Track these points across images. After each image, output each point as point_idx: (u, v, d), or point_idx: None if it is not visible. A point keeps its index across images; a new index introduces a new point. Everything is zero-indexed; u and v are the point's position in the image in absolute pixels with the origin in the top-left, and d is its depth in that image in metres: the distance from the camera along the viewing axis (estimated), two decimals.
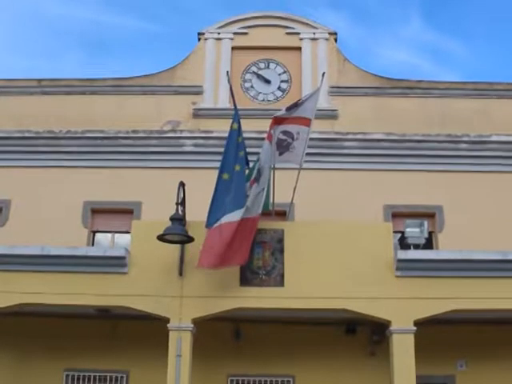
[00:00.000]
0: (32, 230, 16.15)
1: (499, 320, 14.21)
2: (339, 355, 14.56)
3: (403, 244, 13.89)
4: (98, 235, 17.09)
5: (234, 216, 11.92)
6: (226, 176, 12.18)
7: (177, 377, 12.11)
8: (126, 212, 16.63)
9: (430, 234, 15.87)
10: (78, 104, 17.94)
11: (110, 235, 17.03)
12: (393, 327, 12.36)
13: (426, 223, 13.68)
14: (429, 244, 15.64)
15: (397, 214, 16.14)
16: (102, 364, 14.79)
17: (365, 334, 14.70)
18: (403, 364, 12.18)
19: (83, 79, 18.42)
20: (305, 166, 13.57)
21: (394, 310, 12.38)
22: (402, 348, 12.26)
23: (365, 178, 16.63)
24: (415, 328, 12.32)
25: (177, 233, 11.72)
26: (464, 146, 17.10)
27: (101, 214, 16.90)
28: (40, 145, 17.36)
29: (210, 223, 11.98)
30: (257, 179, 12.43)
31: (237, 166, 12.40)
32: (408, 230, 13.52)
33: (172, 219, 11.82)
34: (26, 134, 17.43)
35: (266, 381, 14.67)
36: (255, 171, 12.63)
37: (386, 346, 12.94)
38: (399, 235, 14.78)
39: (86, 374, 14.91)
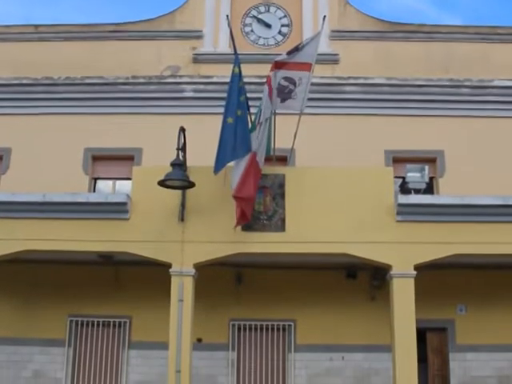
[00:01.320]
0: (33, 178, 16.16)
1: (499, 265, 14.31)
2: (340, 300, 14.72)
3: (404, 189, 13.88)
4: (99, 183, 17.09)
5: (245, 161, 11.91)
6: (230, 120, 12.06)
7: (179, 321, 12.23)
8: (126, 158, 16.60)
9: (431, 179, 15.84)
10: (77, 50, 17.72)
11: (110, 183, 17.00)
12: (393, 271, 12.42)
13: (426, 168, 13.61)
14: (429, 189, 15.66)
15: (398, 160, 16.07)
16: (105, 309, 14.99)
17: (365, 279, 14.85)
18: (403, 308, 12.28)
19: (81, 24, 18.18)
20: (305, 111, 13.44)
21: (394, 255, 12.43)
22: (402, 292, 12.34)
23: (366, 123, 16.53)
24: (415, 272, 12.38)
25: (177, 178, 11.65)
26: (466, 90, 16.94)
27: (101, 160, 16.87)
28: (39, 92, 17.21)
29: (217, 168, 11.88)
30: (260, 124, 12.33)
31: (238, 111, 12.28)
32: (409, 174, 13.46)
33: (173, 165, 11.75)
34: (24, 81, 17.27)
35: (267, 325, 14.88)
36: (258, 116, 12.54)
37: (386, 290, 13.03)
38: (400, 180, 14.78)
39: (90, 320, 15.14)
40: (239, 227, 12.29)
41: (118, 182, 16.86)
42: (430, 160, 16.30)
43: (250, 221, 12.05)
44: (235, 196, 11.60)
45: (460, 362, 14.78)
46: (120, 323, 15.10)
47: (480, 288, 14.79)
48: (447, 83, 16.88)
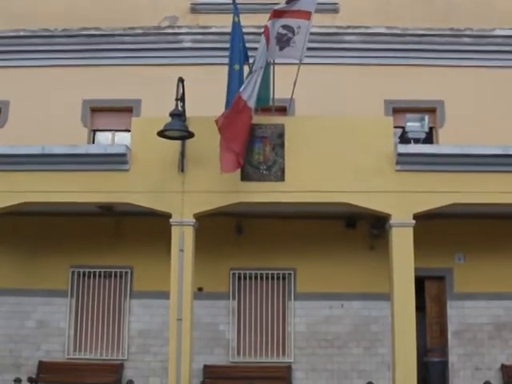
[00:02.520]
0: (32, 131, 16.07)
1: (498, 214, 14.40)
2: (339, 249, 14.86)
3: (404, 139, 13.87)
4: (98, 135, 17.06)
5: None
6: (237, 67, 12.03)
7: (180, 271, 12.37)
8: (125, 110, 16.49)
9: (431, 129, 15.80)
10: (74, 0, 17.45)
11: (110, 135, 16.96)
12: (392, 220, 12.51)
13: (426, 118, 13.59)
14: (429, 139, 15.65)
15: (398, 110, 16.00)
16: (106, 260, 15.16)
17: (364, 228, 14.96)
18: (402, 257, 12.39)
19: None
20: (305, 60, 13.32)
21: (393, 204, 12.50)
22: (401, 241, 12.45)
23: (366, 73, 16.40)
24: (414, 221, 12.46)
25: (177, 128, 11.65)
26: (467, 40, 16.77)
27: (100, 112, 16.80)
28: (36, 44, 17.03)
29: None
30: (254, 72, 12.22)
31: (240, 61, 12.24)
32: (409, 124, 13.45)
33: (172, 115, 11.73)
34: (21, 34, 17.08)
35: (267, 274, 15.05)
36: (253, 65, 12.46)
37: (385, 239, 13.14)
38: (400, 131, 14.76)
39: (92, 270, 15.31)
40: (238, 177, 12.37)
41: (118, 135, 16.83)
42: (430, 110, 16.21)
43: (236, 169, 11.98)
44: (220, 140, 11.64)
45: (458, 310, 14.98)
46: (121, 273, 15.27)
47: (478, 237, 14.90)
48: (448, 32, 16.69)
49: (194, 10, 17.30)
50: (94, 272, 15.30)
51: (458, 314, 14.97)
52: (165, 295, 12.94)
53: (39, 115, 16.46)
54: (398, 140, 14.68)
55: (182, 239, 12.42)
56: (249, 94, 11.87)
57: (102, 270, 15.28)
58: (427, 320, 15.46)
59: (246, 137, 12.11)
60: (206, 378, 14.61)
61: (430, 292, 15.47)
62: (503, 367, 14.65)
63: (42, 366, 14.83)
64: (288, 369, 14.67)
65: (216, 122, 11.64)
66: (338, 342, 14.80)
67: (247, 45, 12.96)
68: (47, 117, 16.41)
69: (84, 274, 15.35)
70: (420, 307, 14.27)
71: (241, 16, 12.78)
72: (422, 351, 14.63)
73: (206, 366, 14.72)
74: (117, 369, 14.73)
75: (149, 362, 14.85)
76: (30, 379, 14.30)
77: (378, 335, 14.73)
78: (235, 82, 12.00)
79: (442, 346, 15.08)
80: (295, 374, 14.72)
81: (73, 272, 15.31)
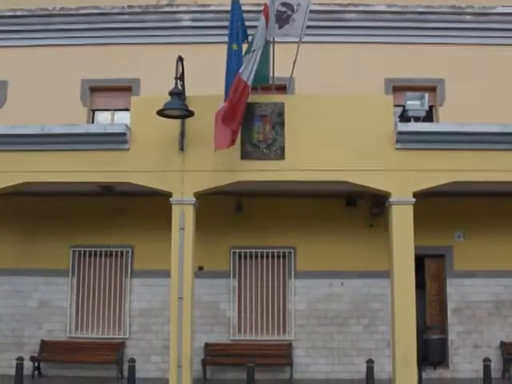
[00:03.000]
0: (31, 111, 16.02)
1: (498, 192, 14.41)
2: (339, 227, 14.93)
3: (404, 117, 13.84)
4: (98, 116, 17.02)
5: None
6: (235, 47, 11.95)
7: (180, 249, 12.40)
8: (124, 89, 16.46)
9: (431, 107, 15.77)
10: None
11: (109, 116, 16.92)
12: (392, 198, 12.52)
13: (426, 96, 13.52)
14: (429, 118, 15.62)
15: (398, 88, 15.94)
16: (107, 239, 15.22)
17: (364, 207, 15.01)
18: (402, 235, 12.43)
19: None
20: (305, 39, 13.28)
21: (393, 182, 12.51)
22: (401, 219, 12.47)
23: (366, 51, 16.31)
24: (414, 199, 12.48)
25: (176, 107, 11.63)
26: (468, 17, 16.67)
27: (99, 92, 16.74)
28: (34, 23, 16.95)
29: (228, 95, 11.85)
30: (253, 52, 12.16)
31: (238, 41, 12.18)
32: (409, 102, 13.40)
33: (171, 94, 11.71)
34: (19, 13, 16.98)
35: (267, 252, 15.12)
36: (251, 44, 12.40)
37: (385, 217, 13.18)
38: (400, 109, 14.72)
39: (92, 250, 15.37)
40: (238, 156, 12.39)
41: (117, 115, 16.80)
42: (430, 88, 16.15)
43: (230, 146, 11.87)
44: (216, 118, 11.62)
45: (457, 288, 15.08)
46: (122, 252, 15.33)
47: (478, 215, 14.96)
48: (449, 10, 16.60)
49: None
50: (95, 251, 15.36)
51: (458, 291, 15.06)
52: (165, 274, 13.01)
53: (38, 95, 16.42)
54: (398, 119, 14.63)
55: (183, 218, 12.44)
56: (248, 73, 11.84)
57: (103, 250, 15.34)
58: (427, 298, 15.55)
59: (243, 115, 12.08)
60: (206, 356, 14.72)
61: (429, 270, 15.55)
62: (502, 344, 14.75)
63: (44, 345, 14.95)
64: (288, 346, 14.77)
65: (218, 112, 11.62)
66: (338, 319, 14.90)
67: (246, 23, 12.85)
68: (46, 97, 16.37)
69: (85, 254, 15.41)
70: (420, 285, 14.32)
71: None
72: (422, 329, 14.70)
73: (206, 344, 14.83)
74: (118, 347, 14.84)
75: (150, 340, 14.96)
76: (32, 358, 14.42)
77: (378, 313, 14.83)
78: (233, 61, 11.94)
79: (442, 323, 15.18)
80: (295, 352, 14.82)
81: (74, 251, 15.37)
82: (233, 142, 11.88)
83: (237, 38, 12.07)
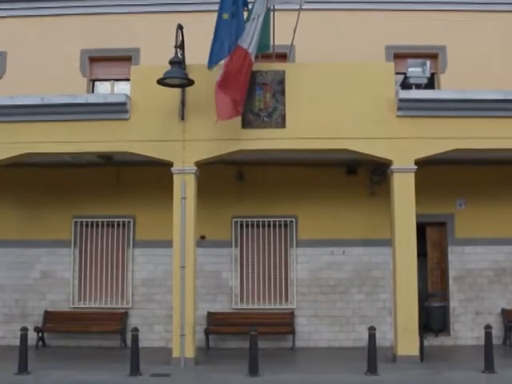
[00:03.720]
0: (30, 81, 15.96)
1: (499, 160, 14.40)
2: (340, 196, 14.92)
3: (405, 85, 13.76)
4: (98, 86, 16.93)
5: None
6: (225, 16, 11.81)
7: (182, 219, 12.43)
8: (124, 59, 16.33)
9: (433, 75, 15.67)
10: None
11: (109, 86, 16.77)
12: (394, 166, 12.53)
13: (428, 63, 13.40)
14: (431, 85, 15.52)
15: (399, 55, 15.80)
16: (108, 210, 15.23)
17: (365, 175, 15.00)
18: (403, 203, 12.46)
19: None
20: (305, 6, 13.18)
21: (395, 150, 12.51)
22: (403, 187, 12.50)
23: (366, 19, 16.18)
24: (416, 167, 12.49)
25: (177, 76, 11.58)
26: None
27: (99, 62, 16.64)
28: None
29: (211, 63, 11.76)
30: (253, 20, 12.06)
31: (234, 8, 12.02)
32: (410, 69, 13.28)
33: (171, 62, 11.66)
34: None
35: (269, 221, 15.13)
36: (251, 12, 12.29)
37: (386, 186, 13.20)
38: (401, 77, 14.62)
39: (94, 220, 15.38)
40: (239, 124, 12.35)
41: (117, 86, 16.67)
42: (432, 56, 16.02)
43: (234, 117, 11.93)
44: (216, 88, 11.55)
45: (458, 256, 15.11)
46: (124, 223, 15.35)
47: (479, 183, 14.94)
48: None
49: None
50: (97, 222, 15.38)
51: (459, 259, 15.10)
52: (168, 244, 13.04)
53: (37, 66, 16.33)
54: (400, 87, 14.54)
55: (184, 187, 12.44)
56: (249, 41, 11.77)
57: (105, 220, 15.34)
58: (428, 266, 15.60)
59: (247, 85, 12.02)
60: (209, 325, 14.79)
61: (431, 238, 15.57)
62: (503, 312, 14.82)
63: (48, 316, 15.04)
64: (291, 315, 14.84)
65: (218, 82, 11.56)
66: (340, 288, 14.96)
67: None
68: (46, 67, 16.28)
69: (87, 224, 15.43)
70: (421, 253, 14.39)
71: None
72: (423, 296, 14.77)
73: (209, 313, 14.89)
74: (121, 317, 14.92)
75: (153, 309, 15.03)
76: (36, 328, 14.52)
77: (380, 281, 14.88)
78: (222, 31, 11.77)
79: (443, 291, 15.23)
80: (298, 320, 14.90)
81: (75, 222, 15.39)
82: (237, 112, 11.84)
83: (228, 8, 11.91)
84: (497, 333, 14.26)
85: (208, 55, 11.82)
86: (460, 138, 12.51)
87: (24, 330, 11.88)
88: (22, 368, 11.55)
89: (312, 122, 12.46)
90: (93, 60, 16.65)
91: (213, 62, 11.75)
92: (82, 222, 15.40)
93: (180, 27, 12.08)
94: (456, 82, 15.36)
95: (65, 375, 11.46)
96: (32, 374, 11.50)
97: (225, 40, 11.67)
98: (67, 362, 13.02)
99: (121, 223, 15.36)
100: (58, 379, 11.18)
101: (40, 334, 14.73)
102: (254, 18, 11.96)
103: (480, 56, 16.02)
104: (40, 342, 14.73)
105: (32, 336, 13.71)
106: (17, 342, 11.94)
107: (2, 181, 14.71)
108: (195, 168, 12.53)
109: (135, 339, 11.66)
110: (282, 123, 12.45)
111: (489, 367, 11.42)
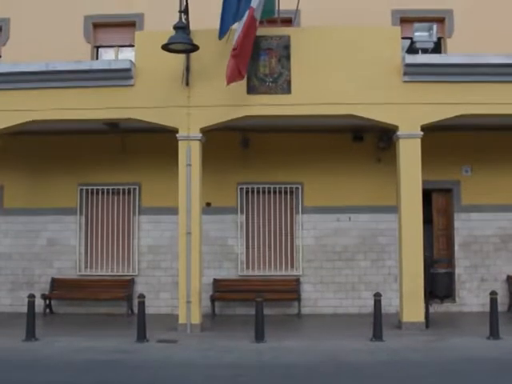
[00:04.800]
0: (34, 48, 15.79)
1: (506, 126, 14.28)
2: (346, 162, 14.86)
3: (411, 50, 13.62)
4: (102, 53, 16.78)
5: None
6: None
7: (187, 186, 12.43)
8: (128, 25, 16.18)
9: (439, 39, 15.46)
10: None
11: (113, 53, 16.68)
12: (400, 132, 12.46)
13: (434, 27, 13.19)
14: (438, 50, 15.33)
15: (405, 20, 15.58)
16: (114, 177, 15.22)
17: (371, 141, 14.91)
18: (409, 169, 12.42)
19: None
20: None
21: (401, 115, 12.43)
22: (409, 153, 12.45)
23: None
24: (422, 133, 12.41)
25: (181, 41, 11.46)
26: None
27: (103, 28, 16.45)
28: None
29: (222, 32, 11.71)
30: None
31: None
32: (416, 34, 13.08)
33: (176, 28, 11.54)
34: None
35: (274, 188, 15.09)
36: None
37: (392, 152, 13.11)
38: (408, 42, 14.48)
39: (100, 188, 15.39)
40: (244, 90, 12.26)
41: (122, 54, 16.56)
42: (439, 20, 15.77)
43: (240, 79, 11.83)
44: (234, 54, 11.43)
45: (464, 222, 15.08)
46: (130, 190, 15.34)
47: (486, 149, 14.85)
48: None
49: None
50: (102, 189, 15.38)
51: (465, 226, 15.07)
52: (173, 211, 13.09)
53: (41, 32, 16.15)
54: (406, 54, 14.39)
55: (189, 154, 12.41)
56: (256, 6, 11.65)
57: (110, 187, 15.34)
58: (434, 232, 15.58)
59: (251, 49, 11.92)
60: (215, 292, 14.85)
61: (437, 204, 15.53)
62: (509, 278, 14.83)
63: (55, 283, 15.12)
64: (296, 282, 14.88)
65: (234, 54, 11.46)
66: (346, 254, 14.97)
67: None
68: (49, 34, 16.09)
69: (92, 192, 15.43)
70: (427, 220, 14.35)
71: None
72: (429, 263, 14.76)
73: (215, 280, 14.94)
74: (127, 284, 14.99)
75: (159, 276, 15.08)
76: (43, 296, 14.60)
77: (386, 247, 14.87)
78: None
79: (449, 257, 15.22)
80: (303, 287, 14.94)
81: (81, 190, 15.39)
82: (242, 76, 11.76)
83: None
84: (502, 300, 14.22)
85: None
86: (467, 104, 12.41)
87: (31, 297, 11.95)
88: (30, 335, 11.65)
89: (318, 87, 12.37)
90: (97, 26, 16.47)
91: (224, 30, 11.70)
92: (87, 190, 15.40)
93: None
94: (463, 47, 15.15)
95: (72, 342, 11.53)
96: (40, 340, 11.61)
97: (233, 6, 11.55)
98: (74, 328, 13.11)
99: (126, 190, 15.35)
100: (66, 346, 11.24)
101: (47, 302, 14.84)
102: None
103: (487, 20, 15.79)
104: (47, 310, 14.83)
105: (39, 303, 13.79)
106: (24, 310, 12.02)
107: (8, 149, 14.71)
108: (200, 134, 12.49)
109: (142, 306, 11.72)
110: (287, 89, 12.36)
111: (494, 333, 11.46)
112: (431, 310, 12.98)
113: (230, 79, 11.61)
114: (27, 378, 8.95)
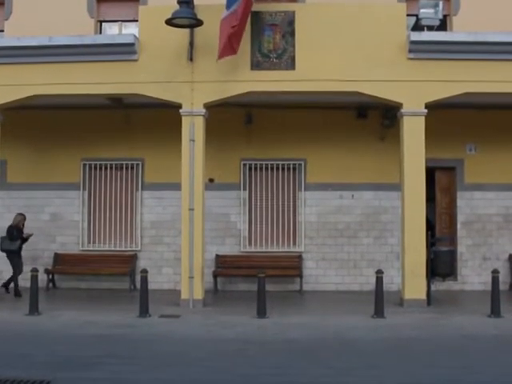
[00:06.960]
0: (37, 22, 15.64)
1: (510, 105, 14.20)
2: (350, 139, 14.82)
3: (417, 27, 13.52)
4: (106, 28, 16.66)
5: None
6: None
7: (191, 161, 12.43)
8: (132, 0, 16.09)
9: (445, 17, 15.31)
10: None
11: (117, 28, 16.52)
12: (404, 109, 12.42)
13: (440, 3, 13.08)
14: (443, 27, 15.21)
15: None
16: (117, 152, 15.22)
17: (375, 119, 14.86)
18: (413, 147, 12.40)
19: None
20: None
21: (405, 92, 12.38)
22: (413, 131, 12.41)
23: None
24: (426, 110, 12.37)
25: (185, 16, 11.44)
26: None
27: (106, 2, 16.33)
28: None
29: (230, 4, 11.62)
30: None
31: None
32: (422, 11, 12.99)
33: (180, 2, 11.51)
34: None
35: (277, 164, 15.08)
36: None
37: (396, 130, 13.09)
38: (413, 20, 14.36)
39: (103, 163, 15.40)
40: (248, 66, 12.24)
41: (125, 28, 16.41)
42: None
43: (232, 55, 11.80)
44: (233, 31, 11.39)
45: (467, 201, 15.08)
46: (133, 165, 15.34)
47: (490, 128, 14.79)
48: None
49: None
50: (106, 164, 15.39)
51: (468, 204, 15.07)
52: (176, 186, 13.08)
53: (44, 7, 16.02)
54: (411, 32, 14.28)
55: (193, 129, 12.39)
56: None
57: (114, 163, 15.35)
58: (437, 210, 15.56)
59: (246, 23, 11.87)
60: (217, 268, 14.90)
61: (440, 183, 15.48)
62: (511, 257, 14.85)
63: (58, 258, 15.20)
64: (298, 258, 14.92)
65: (224, 21, 11.41)
66: (348, 231, 15.00)
67: None
68: (52, 8, 15.95)
69: (95, 167, 15.44)
70: (430, 198, 14.31)
71: None
72: (431, 241, 14.79)
73: (217, 256, 14.99)
74: (130, 259, 15.05)
75: (162, 252, 15.14)
76: (46, 270, 14.66)
77: (388, 225, 14.89)
78: None
79: (451, 236, 15.22)
80: (306, 264, 14.98)
81: (84, 165, 15.40)
82: (234, 51, 11.69)
83: None
84: (504, 278, 14.28)
85: None
86: (471, 81, 12.35)
87: (34, 271, 11.99)
88: (33, 309, 11.72)
89: (322, 63, 12.31)
90: (100, 0, 16.33)
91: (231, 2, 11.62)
92: (90, 165, 15.41)
93: None
94: (469, 25, 14.98)
95: (75, 316, 11.60)
96: (43, 314, 11.68)
97: None
98: (77, 303, 13.21)
99: (129, 166, 15.35)
100: (69, 320, 11.31)
101: (50, 276, 14.91)
102: None
103: None
104: (50, 284, 14.91)
105: (42, 278, 13.89)
106: (27, 284, 12.07)
107: (11, 124, 14.58)
108: (204, 110, 12.46)
109: (144, 280, 11.76)
110: (291, 65, 12.31)
111: (495, 312, 11.50)
112: (433, 287, 13.04)
113: (222, 54, 11.59)
114: (30, 352, 8.99)
